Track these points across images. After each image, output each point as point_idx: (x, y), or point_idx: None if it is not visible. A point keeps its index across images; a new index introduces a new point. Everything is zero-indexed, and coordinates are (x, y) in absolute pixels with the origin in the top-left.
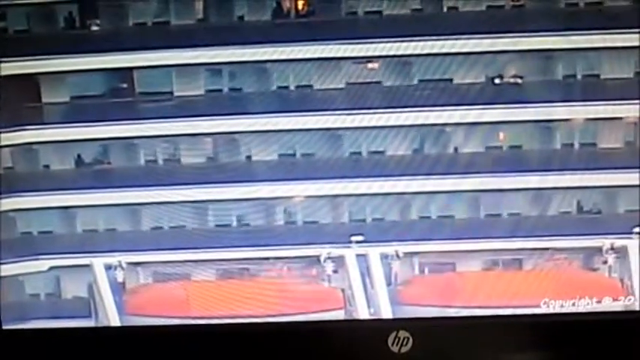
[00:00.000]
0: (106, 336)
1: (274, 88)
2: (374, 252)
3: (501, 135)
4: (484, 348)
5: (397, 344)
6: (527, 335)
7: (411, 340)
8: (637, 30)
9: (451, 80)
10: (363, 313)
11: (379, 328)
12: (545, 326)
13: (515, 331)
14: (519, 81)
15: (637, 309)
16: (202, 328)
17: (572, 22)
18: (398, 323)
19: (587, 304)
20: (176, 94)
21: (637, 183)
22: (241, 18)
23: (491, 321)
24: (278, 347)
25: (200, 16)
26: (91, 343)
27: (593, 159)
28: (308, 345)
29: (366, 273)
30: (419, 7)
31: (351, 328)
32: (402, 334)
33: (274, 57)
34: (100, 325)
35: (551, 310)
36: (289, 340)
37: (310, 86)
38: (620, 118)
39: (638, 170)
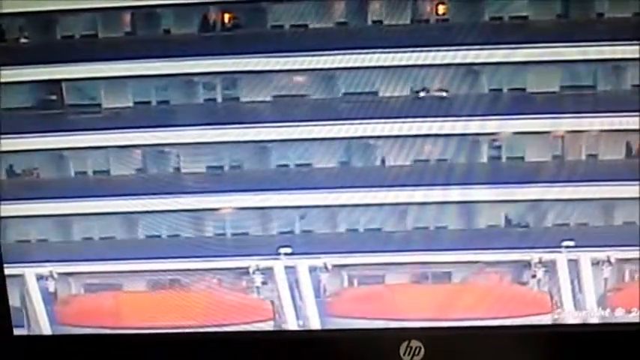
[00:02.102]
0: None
1: (201, 100)
2: (302, 264)
3: (428, 148)
4: (497, 358)
5: (409, 354)
6: (541, 346)
7: (423, 349)
8: (563, 44)
9: (376, 93)
10: (291, 324)
11: (391, 337)
12: (561, 337)
13: (529, 341)
14: (444, 94)
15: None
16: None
17: (497, 36)
18: (410, 332)
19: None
20: (104, 106)
21: (565, 197)
22: (167, 31)
23: (505, 332)
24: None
25: (128, 29)
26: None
27: (521, 173)
28: (320, 354)
29: (294, 285)
30: (344, 20)
31: (363, 336)
32: (414, 343)
33: (201, 70)
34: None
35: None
36: (299, 349)
37: (237, 98)
38: (548, 132)
39: (564, 184)
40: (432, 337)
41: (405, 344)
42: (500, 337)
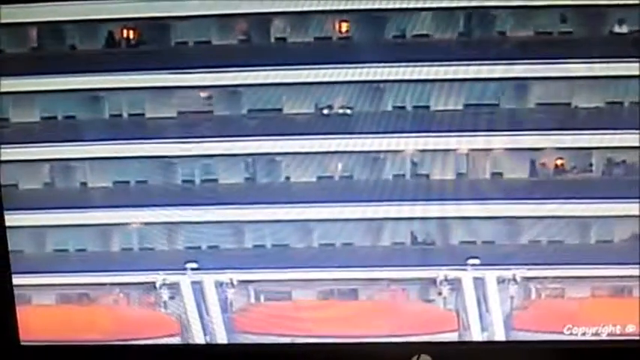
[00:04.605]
0: None
1: (107, 116)
2: (208, 279)
3: (332, 165)
4: None
5: None
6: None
7: None
8: (466, 62)
9: (281, 110)
10: (198, 339)
11: (401, 351)
12: (577, 353)
13: (542, 356)
14: (349, 111)
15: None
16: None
17: (401, 54)
18: (419, 347)
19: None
20: (12, 120)
21: (470, 215)
22: (73, 47)
23: (513, 346)
24: None
25: (34, 44)
26: None
27: (425, 190)
28: None
29: (201, 300)
30: (246, 37)
31: (373, 350)
32: (424, 358)
33: (106, 85)
34: None
35: (569, 338)
36: None
37: (142, 114)
38: (452, 150)
39: (469, 202)
40: (441, 351)
41: (414, 359)
42: (511, 353)
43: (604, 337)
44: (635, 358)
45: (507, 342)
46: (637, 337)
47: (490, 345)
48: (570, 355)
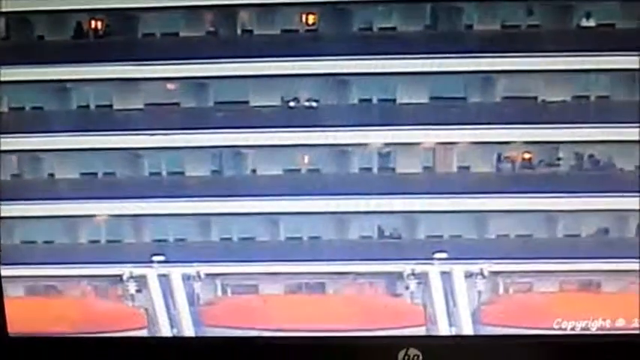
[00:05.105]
0: None
1: (75, 107)
2: (175, 272)
3: (299, 158)
4: None
5: None
6: (542, 356)
7: (421, 357)
8: (432, 55)
9: (247, 102)
10: (166, 332)
11: (390, 344)
12: (559, 347)
13: (529, 352)
14: (315, 104)
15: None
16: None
17: (367, 47)
18: (408, 340)
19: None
20: None
21: (437, 208)
22: (41, 37)
23: (503, 341)
24: None
25: (2, 35)
26: None
27: (392, 183)
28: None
29: (168, 293)
30: (213, 29)
31: (362, 343)
32: (412, 351)
33: (74, 77)
34: None
35: (558, 332)
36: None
37: (110, 106)
38: (418, 144)
39: (436, 195)
40: (430, 345)
41: (403, 352)
42: (500, 347)
43: (574, 331)
44: (604, 351)
45: (496, 336)
46: (606, 332)
47: (478, 339)
48: (554, 350)
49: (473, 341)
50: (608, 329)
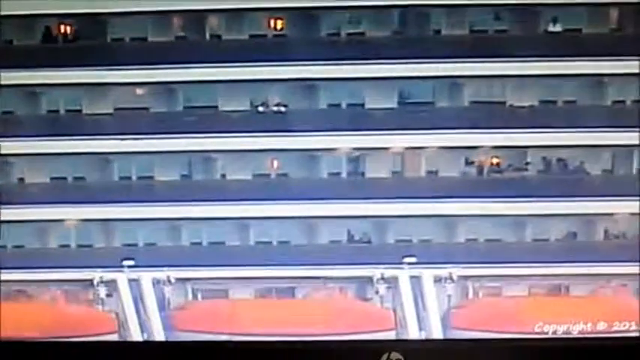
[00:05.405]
0: None
1: (44, 112)
2: (146, 277)
3: (268, 162)
4: None
5: None
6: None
7: None
8: (399, 60)
9: (216, 107)
10: (136, 337)
11: (372, 348)
12: (545, 350)
13: (515, 355)
14: (283, 109)
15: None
16: None
17: (335, 52)
18: (390, 345)
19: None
20: None
21: (406, 213)
22: (10, 42)
23: (483, 345)
24: None
25: None
26: None
27: (361, 188)
28: None
29: (139, 298)
30: (182, 34)
31: (344, 347)
32: (394, 355)
33: (43, 81)
34: None
35: (552, 336)
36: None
37: (79, 111)
38: (386, 148)
39: (404, 200)
40: (411, 349)
41: (385, 356)
42: (480, 350)
43: (544, 335)
44: (574, 354)
45: (480, 340)
46: (575, 335)
47: (462, 343)
48: (524, 353)
49: (453, 345)
50: (578, 333)
